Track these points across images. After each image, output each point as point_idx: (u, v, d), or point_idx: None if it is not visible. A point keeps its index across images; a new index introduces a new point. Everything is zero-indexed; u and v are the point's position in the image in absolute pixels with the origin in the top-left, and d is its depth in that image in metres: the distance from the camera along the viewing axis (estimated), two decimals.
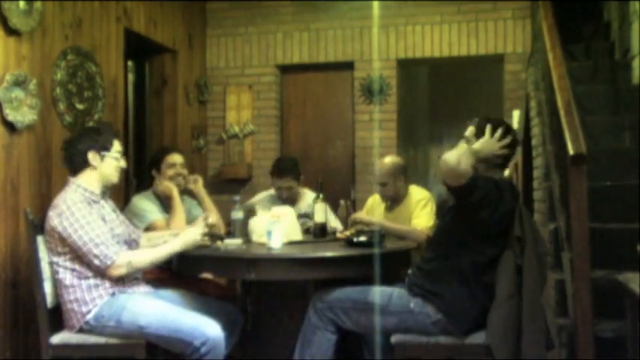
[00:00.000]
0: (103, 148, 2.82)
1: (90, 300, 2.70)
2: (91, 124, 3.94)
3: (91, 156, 2.79)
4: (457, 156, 2.46)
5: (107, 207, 2.88)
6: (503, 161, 2.71)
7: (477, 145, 2.59)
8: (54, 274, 2.75)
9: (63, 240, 2.68)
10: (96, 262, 2.65)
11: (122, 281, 2.77)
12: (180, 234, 2.91)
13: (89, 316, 2.70)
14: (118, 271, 2.68)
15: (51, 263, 2.77)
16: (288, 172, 3.87)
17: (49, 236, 2.72)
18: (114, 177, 2.87)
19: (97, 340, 2.71)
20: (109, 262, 2.65)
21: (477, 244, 2.60)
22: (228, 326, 2.84)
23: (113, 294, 2.73)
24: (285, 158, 4.25)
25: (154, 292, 2.92)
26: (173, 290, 3.03)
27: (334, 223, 3.74)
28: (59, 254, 2.71)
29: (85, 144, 2.79)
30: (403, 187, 3.68)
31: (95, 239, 2.64)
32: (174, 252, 2.83)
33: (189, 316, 2.73)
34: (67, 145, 2.85)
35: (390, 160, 3.69)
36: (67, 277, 2.71)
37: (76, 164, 2.80)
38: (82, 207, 2.69)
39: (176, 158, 3.55)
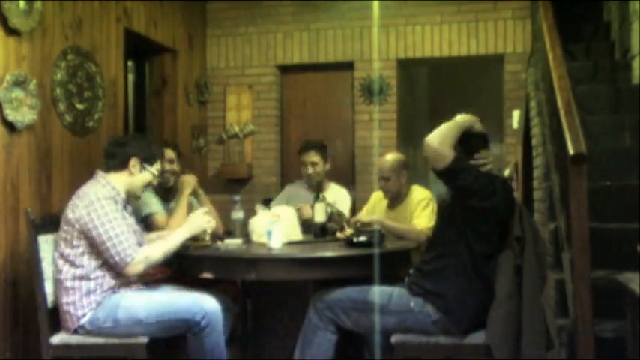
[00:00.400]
0: (147, 160, 2.86)
1: (86, 304, 2.70)
2: (90, 124, 3.94)
3: (133, 162, 2.82)
4: (439, 136, 2.55)
5: (128, 210, 2.90)
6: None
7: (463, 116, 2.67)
8: (55, 273, 2.75)
9: (83, 232, 2.68)
10: (116, 258, 2.66)
11: (117, 284, 2.77)
12: (186, 221, 2.96)
13: (84, 320, 2.70)
14: (137, 267, 2.70)
15: (55, 258, 2.75)
16: (313, 147, 4.00)
17: (69, 226, 2.71)
18: (140, 190, 2.91)
19: (97, 340, 2.72)
20: (128, 260, 2.67)
21: (475, 240, 2.61)
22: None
23: (105, 297, 2.73)
24: (313, 139, 4.38)
25: (146, 288, 2.92)
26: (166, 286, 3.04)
27: (342, 207, 3.88)
28: (72, 247, 2.70)
29: (134, 149, 2.83)
30: (405, 183, 3.73)
31: (120, 235, 2.66)
32: (184, 238, 2.88)
33: (184, 295, 2.79)
34: (116, 142, 2.92)
35: (392, 156, 3.76)
36: (68, 276, 2.70)
37: (116, 163, 2.82)
38: (110, 202, 2.71)
39: (168, 153, 3.54)
